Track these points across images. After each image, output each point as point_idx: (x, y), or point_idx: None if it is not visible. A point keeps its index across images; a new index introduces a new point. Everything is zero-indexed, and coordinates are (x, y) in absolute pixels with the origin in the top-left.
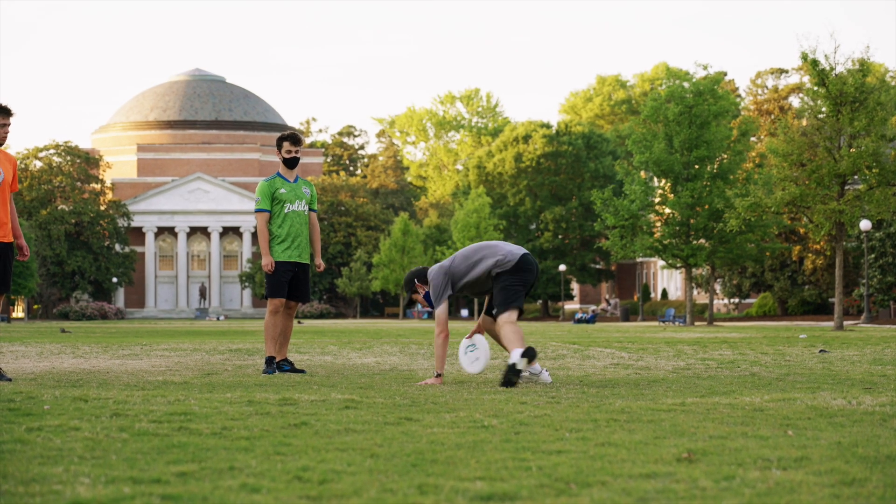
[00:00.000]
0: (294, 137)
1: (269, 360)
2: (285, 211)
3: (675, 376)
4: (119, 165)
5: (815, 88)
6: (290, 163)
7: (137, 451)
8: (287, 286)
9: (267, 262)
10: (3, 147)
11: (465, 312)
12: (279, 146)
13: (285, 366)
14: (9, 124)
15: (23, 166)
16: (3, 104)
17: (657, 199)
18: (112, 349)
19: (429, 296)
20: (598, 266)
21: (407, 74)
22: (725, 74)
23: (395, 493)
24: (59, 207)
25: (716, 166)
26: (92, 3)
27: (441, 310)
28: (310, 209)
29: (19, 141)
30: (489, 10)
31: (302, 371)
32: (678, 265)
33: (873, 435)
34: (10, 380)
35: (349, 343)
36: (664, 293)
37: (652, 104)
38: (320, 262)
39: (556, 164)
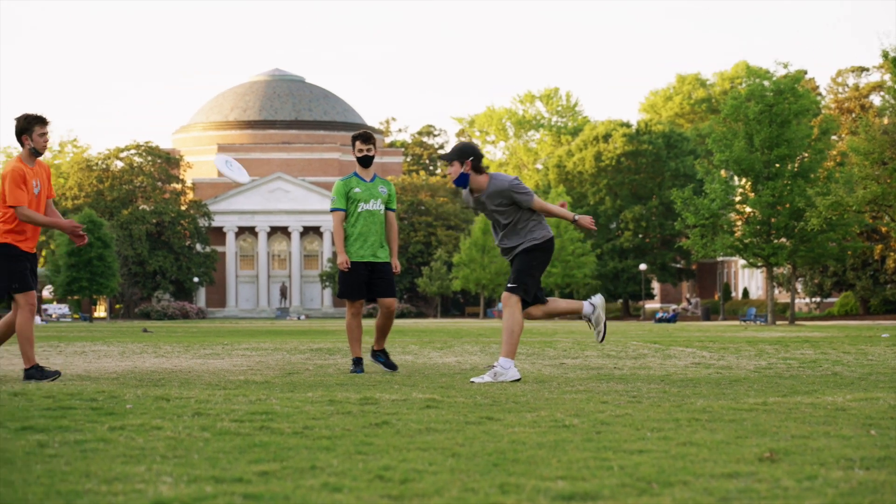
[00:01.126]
0: (364, 136)
1: (356, 362)
2: (359, 210)
3: (756, 376)
4: (199, 165)
5: None
6: (364, 161)
7: (219, 450)
8: (363, 287)
9: (341, 260)
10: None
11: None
12: (353, 145)
13: (380, 357)
14: (47, 133)
15: (104, 166)
16: (41, 114)
17: (738, 198)
18: (193, 349)
19: (465, 177)
20: (678, 265)
21: (487, 74)
22: (806, 73)
23: (476, 493)
24: (141, 207)
25: (796, 165)
26: (173, 4)
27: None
28: (387, 208)
29: (101, 141)
30: (569, 9)
31: (394, 367)
32: (759, 264)
33: None
34: (57, 374)
35: (430, 342)
36: (745, 292)
37: (732, 103)
38: (396, 265)
39: (637, 163)
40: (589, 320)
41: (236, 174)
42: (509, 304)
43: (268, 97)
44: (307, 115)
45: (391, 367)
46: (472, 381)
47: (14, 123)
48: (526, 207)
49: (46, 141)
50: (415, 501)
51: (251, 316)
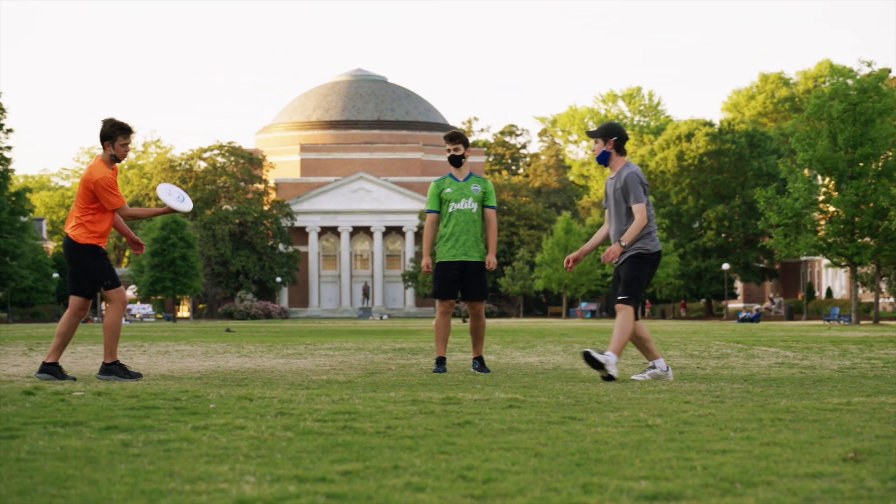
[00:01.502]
0: (451, 135)
1: (438, 361)
2: (450, 210)
3: (840, 375)
4: (282, 166)
5: None
6: (453, 161)
7: (302, 449)
8: (453, 287)
9: (424, 262)
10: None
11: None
12: (446, 146)
13: (476, 364)
14: (130, 142)
15: (187, 167)
16: (127, 124)
17: (821, 198)
18: (276, 348)
19: (606, 155)
20: (761, 265)
21: (569, 73)
22: (890, 71)
23: (559, 493)
24: (224, 207)
25: (880, 164)
26: (255, 4)
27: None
28: (485, 206)
29: (184, 142)
30: (652, 8)
31: (487, 371)
32: (843, 264)
33: None
34: (139, 376)
35: (512, 342)
36: (829, 292)
37: (815, 102)
38: (491, 261)
39: (719, 162)
40: (653, 371)
41: (178, 204)
42: (623, 311)
43: (350, 97)
44: (389, 115)
45: (485, 371)
46: (633, 378)
47: (100, 125)
48: (628, 203)
49: (128, 151)
50: (497, 501)
51: (333, 316)
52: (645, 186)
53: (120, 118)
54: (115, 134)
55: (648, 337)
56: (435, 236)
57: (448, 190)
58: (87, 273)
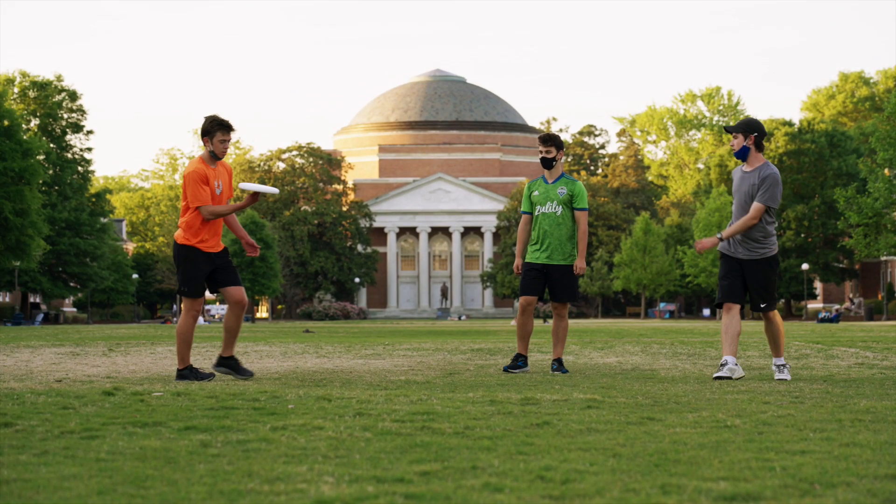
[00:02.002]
0: (544, 138)
1: (515, 357)
2: (537, 213)
3: None
4: (360, 166)
5: None
6: (544, 163)
7: (380, 450)
8: (537, 284)
9: (515, 264)
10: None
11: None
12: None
13: (554, 365)
14: (229, 139)
15: (266, 168)
16: (227, 120)
17: None
18: (355, 349)
19: (745, 150)
20: (841, 265)
21: (648, 73)
22: None
23: (637, 493)
24: (302, 208)
25: None
26: (333, 6)
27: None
28: (575, 208)
29: (263, 143)
30: (730, 8)
31: (565, 371)
32: None
33: None
34: (212, 376)
35: (591, 343)
36: None
37: None
38: (579, 265)
39: (799, 161)
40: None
41: (265, 188)
42: (771, 316)
43: (429, 98)
44: (468, 116)
45: (563, 371)
46: (776, 378)
47: (201, 121)
48: (757, 201)
49: (226, 148)
50: (576, 502)
51: (412, 316)
52: (780, 191)
53: (221, 115)
54: (213, 130)
55: (738, 333)
56: (527, 238)
57: (536, 193)
58: (177, 274)
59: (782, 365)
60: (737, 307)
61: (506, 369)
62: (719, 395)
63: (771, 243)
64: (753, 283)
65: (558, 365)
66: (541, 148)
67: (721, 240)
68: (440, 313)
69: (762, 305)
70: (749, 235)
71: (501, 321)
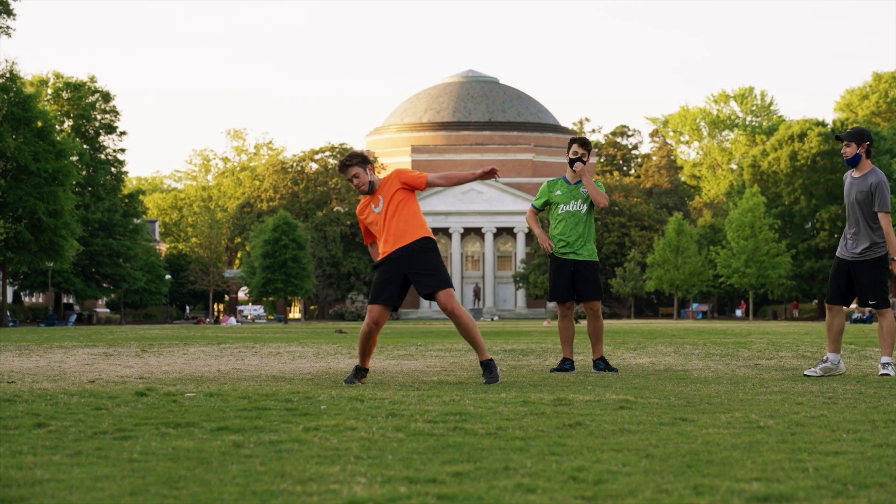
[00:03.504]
0: (581, 141)
1: (562, 361)
2: (559, 212)
3: None
4: (393, 167)
5: None
6: (573, 164)
7: (413, 450)
8: (569, 288)
9: (544, 244)
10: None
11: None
12: (568, 148)
13: (600, 364)
14: (348, 176)
15: (299, 168)
16: (343, 160)
17: None
18: (387, 350)
19: (858, 157)
20: None
21: (680, 73)
22: None
23: (670, 494)
24: (335, 209)
25: None
26: (368, 5)
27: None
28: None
29: (296, 143)
30: (764, 8)
31: (614, 370)
32: None
33: None
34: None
35: (623, 343)
36: None
37: None
38: (578, 165)
39: (832, 162)
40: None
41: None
42: (885, 315)
43: (461, 98)
44: (501, 116)
45: (612, 370)
46: (881, 374)
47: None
48: (872, 210)
49: (357, 183)
50: (608, 502)
51: (444, 317)
52: (887, 191)
53: (355, 149)
54: (341, 169)
55: (842, 332)
56: (539, 225)
57: (558, 193)
58: None
59: (887, 363)
60: (839, 307)
61: (552, 371)
62: (752, 396)
63: (884, 246)
64: (866, 281)
65: (604, 364)
66: (576, 149)
67: (894, 259)
68: (473, 314)
69: (871, 303)
70: (867, 227)
71: (534, 322)
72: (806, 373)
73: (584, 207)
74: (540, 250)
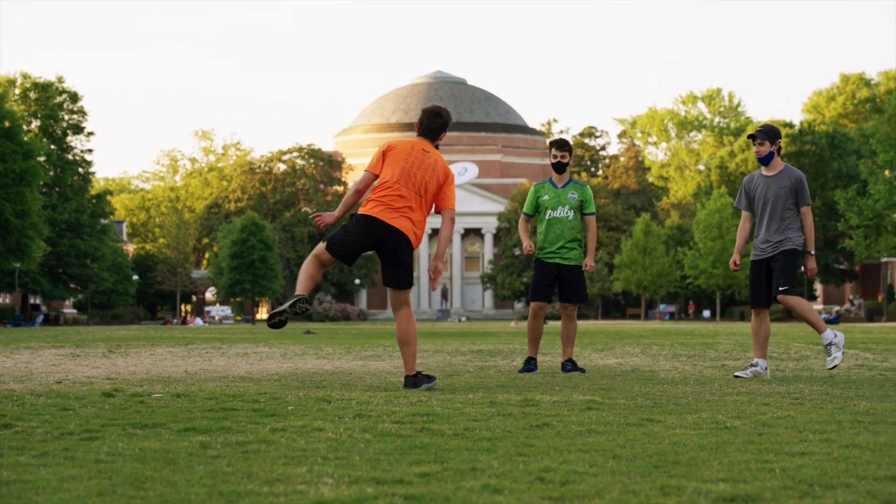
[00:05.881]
0: (559, 143)
1: (527, 361)
2: (547, 217)
3: None
4: (361, 168)
5: None
6: (557, 167)
7: (380, 451)
8: (548, 289)
9: (525, 245)
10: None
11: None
12: (549, 151)
13: (567, 366)
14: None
15: (266, 169)
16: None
17: None
18: (355, 350)
19: (771, 155)
20: (841, 266)
21: (648, 75)
22: None
23: (637, 495)
24: (303, 210)
25: None
26: (335, 6)
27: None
28: (585, 214)
29: (263, 144)
30: (731, 9)
31: (582, 370)
32: None
33: None
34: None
35: (591, 344)
36: None
37: None
38: (589, 264)
39: (799, 163)
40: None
41: (468, 175)
42: (792, 301)
43: (430, 99)
44: (469, 117)
45: (579, 371)
46: (828, 368)
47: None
48: (803, 204)
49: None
50: (575, 503)
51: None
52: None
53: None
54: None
55: (769, 335)
56: (527, 232)
57: (545, 197)
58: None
59: (753, 365)
60: (765, 311)
61: (520, 372)
62: (719, 397)
63: (798, 237)
64: (778, 268)
65: (572, 365)
66: (555, 152)
67: (812, 255)
68: (440, 315)
69: (781, 290)
70: (780, 220)
71: (502, 322)
72: (736, 374)
73: (571, 214)
74: (507, 251)
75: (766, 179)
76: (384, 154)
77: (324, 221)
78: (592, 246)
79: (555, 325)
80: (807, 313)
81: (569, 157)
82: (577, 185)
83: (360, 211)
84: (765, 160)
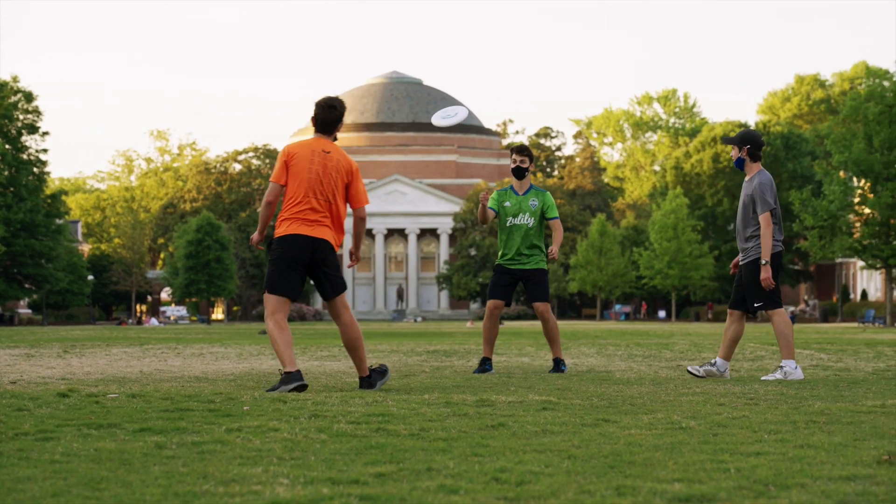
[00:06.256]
0: (520, 148)
1: (482, 361)
2: (507, 224)
3: (875, 378)
4: None
5: None
6: (517, 172)
7: (336, 451)
8: (505, 290)
9: (479, 211)
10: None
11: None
12: (511, 156)
13: (561, 365)
14: None
15: (222, 169)
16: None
17: (856, 200)
18: (310, 351)
19: (740, 161)
20: (796, 267)
21: (604, 75)
22: None
23: (592, 495)
24: (258, 210)
25: None
26: (291, 6)
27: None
28: (548, 218)
29: (219, 144)
30: (687, 10)
31: (563, 370)
32: (878, 266)
33: None
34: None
35: (546, 344)
36: (864, 294)
37: (851, 104)
38: (554, 250)
39: None
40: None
41: (452, 118)
42: (772, 316)
43: (385, 99)
44: (424, 118)
45: (559, 371)
46: (763, 379)
47: None
48: (759, 211)
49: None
50: (531, 503)
51: (368, 318)
52: (774, 194)
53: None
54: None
55: (738, 340)
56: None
57: (507, 204)
58: None
59: (783, 367)
60: (739, 314)
61: (475, 372)
62: (674, 397)
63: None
64: (748, 281)
65: (556, 365)
66: (515, 157)
67: (765, 265)
68: (396, 315)
69: (755, 304)
70: (744, 227)
71: (457, 323)
72: (689, 369)
73: (532, 221)
74: (463, 252)
75: (744, 185)
76: (286, 164)
77: (253, 242)
78: (559, 240)
79: (511, 325)
80: (779, 335)
81: (528, 161)
82: (538, 191)
83: (277, 234)
84: (737, 165)
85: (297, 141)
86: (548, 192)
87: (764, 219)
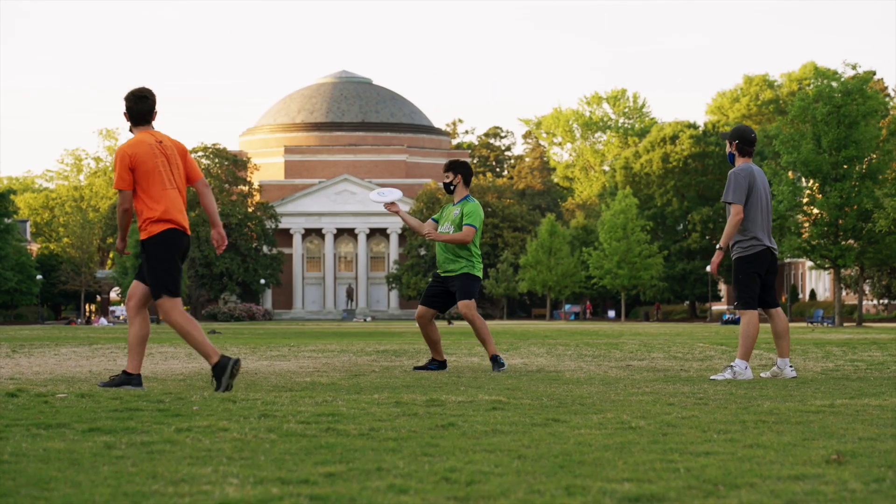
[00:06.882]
0: (445, 165)
1: (429, 361)
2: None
3: (823, 377)
4: (266, 167)
5: None
6: (445, 188)
7: (285, 451)
8: (434, 297)
9: (427, 230)
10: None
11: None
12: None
13: (501, 362)
14: None
15: None
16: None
17: (805, 200)
18: (260, 350)
19: (731, 156)
20: None
21: (553, 75)
22: (874, 74)
23: (542, 495)
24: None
25: (864, 166)
26: (239, 6)
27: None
28: (464, 223)
29: None
30: (636, 10)
31: (501, 366)
32: (826, 266)
33: None
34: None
35: (496, 344)
36: (812, 294)
37: (800, 104)
38: (431, 234)
39: (704, 164)
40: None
41: (388, 196)
42: (742, 316)
43: (335, 99)
44: (374, 117)
45: (499, 367)
46: (711, 378)
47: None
48: (724, 200)
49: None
50: (481, 503)
51: (317, 318)
52: (746, 186)
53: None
54: None
55: (782, 333)
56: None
57: (443, 214)
58: None
59: (732, 366)
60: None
61: (415, 368)
62: (624, 397)
63: (744, 242)
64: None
65: (495, 362)
66: (444, 173)
67: (721, 249)
68: (346, 315)
69: (734, 305)
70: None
71: (407, 322)
72: (762, 374)
73: (451, 230)
74: (413, 251)
75: None
76: (131, 169)
77: (119, 250)
78: (452, 237)
79: (461, 325)
80: (743, 335)
81: (452, 176)
82: (467, 201)
83: (157, 230)
84: (730, 159)
85: (127, 142)
86: (475, 202)
87: (732, 208)
